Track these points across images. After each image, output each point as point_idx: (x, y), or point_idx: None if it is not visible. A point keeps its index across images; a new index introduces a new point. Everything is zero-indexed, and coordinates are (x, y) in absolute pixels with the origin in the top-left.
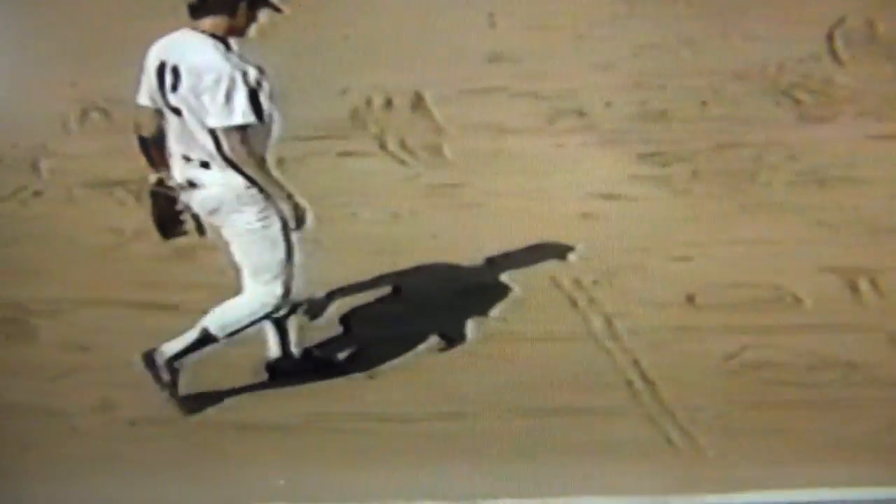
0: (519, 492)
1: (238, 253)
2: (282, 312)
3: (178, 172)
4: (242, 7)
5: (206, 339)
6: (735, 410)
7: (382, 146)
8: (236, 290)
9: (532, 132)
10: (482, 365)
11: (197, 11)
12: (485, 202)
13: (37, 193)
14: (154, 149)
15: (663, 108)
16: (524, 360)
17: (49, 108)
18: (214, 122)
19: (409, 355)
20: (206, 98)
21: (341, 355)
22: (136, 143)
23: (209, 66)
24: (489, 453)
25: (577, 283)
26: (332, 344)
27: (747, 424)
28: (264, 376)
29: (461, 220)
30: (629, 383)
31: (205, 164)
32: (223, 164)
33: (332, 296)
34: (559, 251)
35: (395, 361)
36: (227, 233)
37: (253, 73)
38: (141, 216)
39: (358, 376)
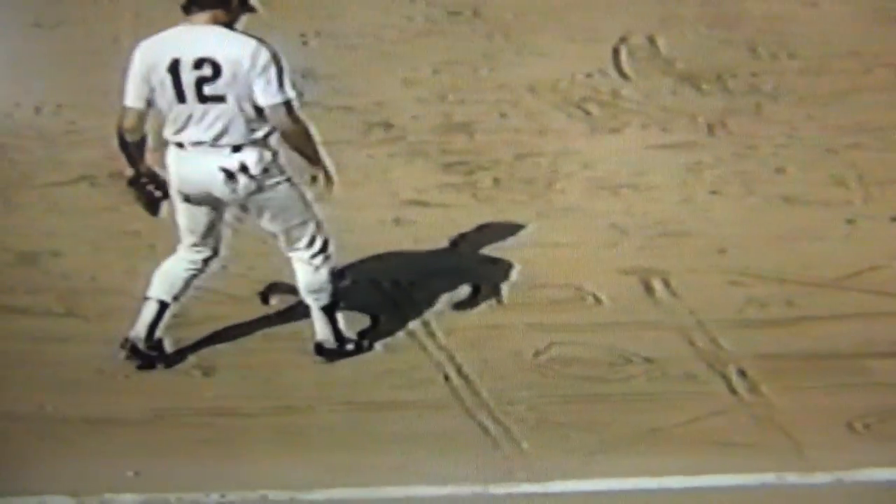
0: (348, 482)
1: (276, 223)
2: (330, 299)
3: (207, 162)
4: (235, 0)
5: (162, 307)
6: (546, 404)
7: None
8: (79, 294)
9: (345, 144)
10: (311, 361)
11: (191, 7)
12: None
13: None
14: (135, 149)
15: (465, 120)
16: (350, 357)
17: None
18: (268, 100)
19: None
20: (259, 80)
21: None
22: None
23: (249, 52)
24: (320, 445)
25: (396, 284)
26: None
27: (558, 417)
28: None
29: None
30: (446, 378)
31: (237, 148)
32: (259, 142)
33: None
34: (512, 229)
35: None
36: (265, 207)
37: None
38: None
39: (196, 373)
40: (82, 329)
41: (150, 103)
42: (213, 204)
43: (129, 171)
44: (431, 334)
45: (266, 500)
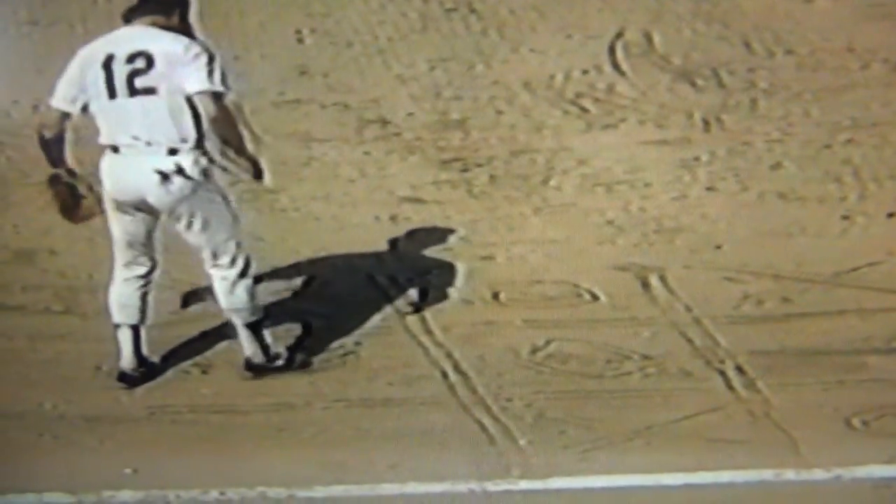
0: (345, 479)
1: (203, 234)
2: (252, 316)
3: (141, 164)
4: (176, 10)
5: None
6: (543, 400)
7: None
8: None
9: (340, 141)
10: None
11: (133, 13)
12: (300, 207)
13: None
14: (55, 148)
15: (461, 117)
16: (344, 354)
17: None
18: (197, 87)
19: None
20: (189, 68)
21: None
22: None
23: (183, 44)
24: (316, 442)
25: (392, 280)
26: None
27: (555, 414)
28: None
29: (279, 224)
30: (444, 375)
31: (173, 151)
32: (194, 142)
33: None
34: (443, 233)
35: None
36: (195, 216)
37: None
38: None
39: (194, 371)
40: (80, 327)
41: (84, 107)
42: (148, 211)
43: (52, 171)
44: (428, 331)
45: (264, 497)
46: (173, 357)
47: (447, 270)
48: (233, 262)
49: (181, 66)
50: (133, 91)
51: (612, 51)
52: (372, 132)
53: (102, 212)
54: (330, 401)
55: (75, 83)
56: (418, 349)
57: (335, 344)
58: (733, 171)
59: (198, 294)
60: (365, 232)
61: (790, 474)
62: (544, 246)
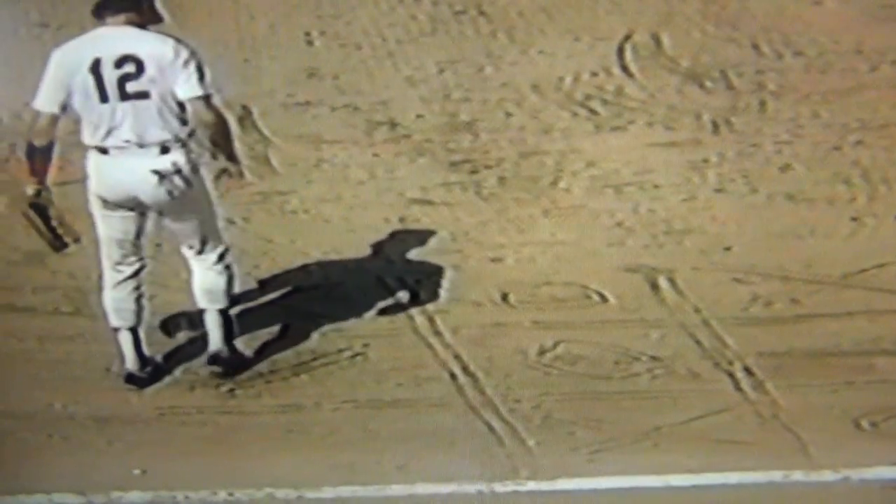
0: (353, 480)
1: (191, 225)
2: (226, 303)
3: (134, 165)
4: (147, 4)
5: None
6: (551, 402)
7: (214, 157)
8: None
9: (350, 143)
10: (317, 360)
11: (104, 11)
12: (309, 209)
13: None
14: (39, 158)
15: (470, 119)
16: (353, 356)
17: None
18: (189, 93)
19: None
20: (180, 74)
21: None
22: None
23: (171, 47)
24: (324, 443)
25: (402, 282)
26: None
27: (563, 415)
28: None
29: (289, 226)
30: (452, 376)
31: (165, 150)
32: (183, 140)
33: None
34: (424, 236)
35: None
36: (186, 210)
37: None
38: None
39: (203, 372)
40: (89, 328)
41: (64, 108)
42: (138, 208)
43: (32, 187)
44: (437, 332)
45: (273, 497)
46: (177, 355)
47: (435, 272)
48: (214, 247)
49: (171, 70)
50: (125, 96)
51: (620, 53)
52: (381, 134)
53: (77, 239)
54: (339, 402)
55: (61, 86)
56: (427, 350)
57: (343, 345)
58: (742, 172)
59: (179, 324)
60: (374, 234)
61: (799, 475)
62: (553, 248)
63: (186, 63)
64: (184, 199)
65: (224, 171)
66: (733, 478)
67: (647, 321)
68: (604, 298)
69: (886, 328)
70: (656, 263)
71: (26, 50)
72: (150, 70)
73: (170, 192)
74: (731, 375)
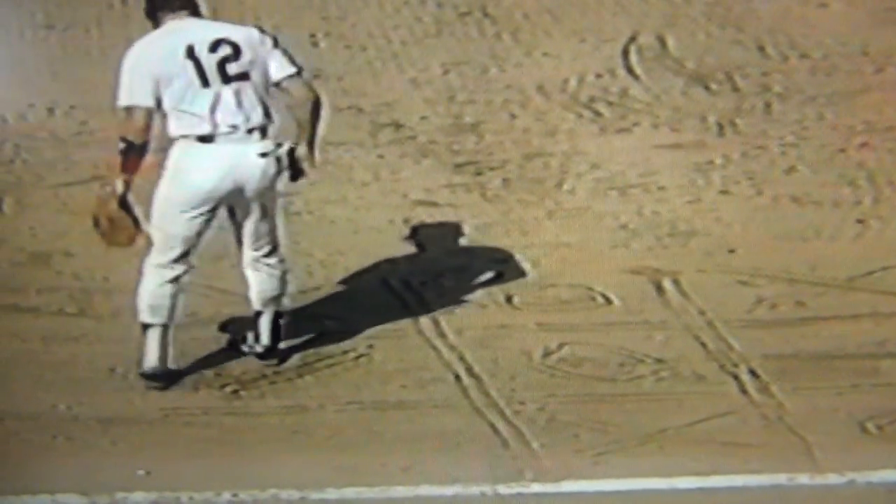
0: (357, 481)
1: (263, 221)
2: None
3: (240, 151)
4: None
5: (164, 329)
6: (556, 404)
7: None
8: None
9: (355, 144)
10: (321, 362)
11: (163, 9)
12: (314, 210)
13: None
14: (135, 156)
15: (475, 120)
16: (357, 357)
17: None
18: (285, 72)
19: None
20: (272, 56)
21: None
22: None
23: (255, 31)
24: (329, 445)
25: (406, 284)
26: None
27: (568, 417)
28: None
29: (294, 227)
30: (457, 378)
31: (264, 132)
32: (275, 123)
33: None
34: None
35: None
36: (269, 201)
37: None
38: None
39: (207, 373)
40: (94, 329)
41: (158, 102)
42: (218, 207)
43: (120, 184)
44: (441, 334)
45: (277, 499)
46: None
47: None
48: (276, 248)
49: (262, 52)
50: (227, 78)
51: (625, 54)
52: (386, 136)
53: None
54: (343, 403)
55: (150, 78)
56: (431, 352)
57: (347, 345)
58: (747, 174)
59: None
60: (379, 235)
61: (804, 479)
62: (558, 249)
63: (275, 45)
64: (272, 188)
65: (296, 157)
66: (738, 480)
67: (651, 323)
68: (608, 300)
69: (892, 331)
70: (661, 265)
71: (32, 52)
72: (245, 52)
73: (268, 177)
74: (736, 378)
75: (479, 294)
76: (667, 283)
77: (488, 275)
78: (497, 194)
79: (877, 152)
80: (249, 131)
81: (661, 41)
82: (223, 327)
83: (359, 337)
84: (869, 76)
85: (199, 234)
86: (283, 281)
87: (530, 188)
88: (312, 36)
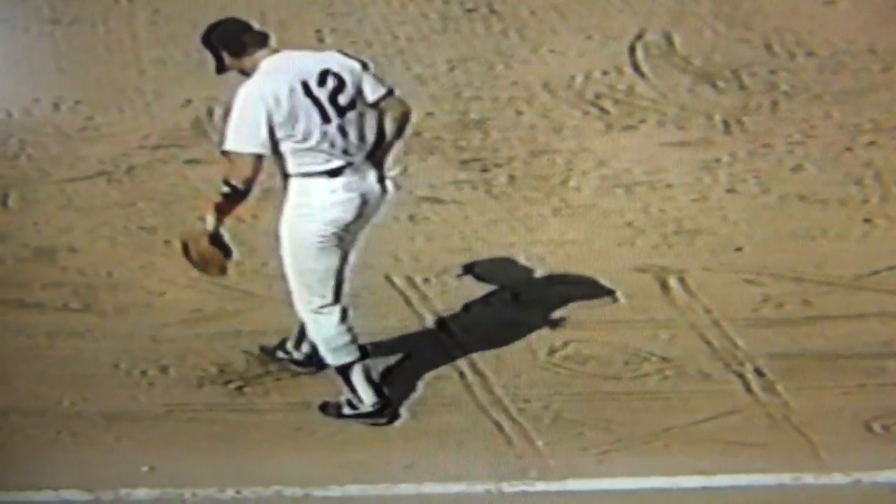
0: (361, 478)
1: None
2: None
3: (361, 180)
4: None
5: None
6: (561, 402)
7: (224, 153)
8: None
9: None
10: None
11: (248, 47)
12: None
13: None
14: (235, 200)
15: (481, 117)
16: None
17: None
18: (379, 93)
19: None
20: (364, 81)
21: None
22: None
23: (347, 58)
24: (333, 442)
25: (410, 281)
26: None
27: (572, 415)
28: None
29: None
30: (462, 375)
31: (372, 157)
32: (369, 151)
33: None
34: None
35: None
36: (354, 232)
37: None
38: (4, 220)
39: (212, 370)
40: (98, 325)
41: (275, 146)
42: (348, 231)
43: (212, 224)
44: (448, 332)
45: (280, 495)
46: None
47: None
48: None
49: (357, 77)
50: (340, 110)
51: (632, 52)
52: None
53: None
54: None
55: (264, 123)
56: (437, 349)
57: None
58: (754, 172)
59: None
60: (384, 231)
61: (809, 478)
62: (563, 247)
63: (365, 69)
64: (358, 221)
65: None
66: (743, 480)
67: (656, 321)
68: (614, 298)
69: None
70: (666, 263)
71: (37, 47)
72: (348, 80)
73: (382, 202)
74: (742, 377)
75: (484, 291)
76: (672, 282)
77: (558, 312)
78: (503, 191)
79: (884, 151)
80: (365, 159)
81: (668, 39)
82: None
83: (362, 333)
84: (876, 74)
85: (340, 264)
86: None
87: (536, 185)
88: (318, 32)
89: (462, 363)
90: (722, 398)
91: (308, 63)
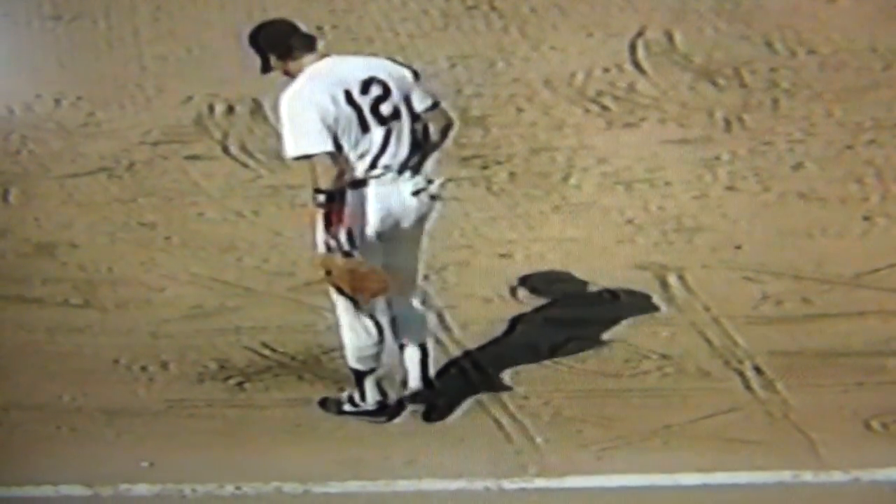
0: (361, 474)
1: (412, 255)
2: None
3: (399, 190)
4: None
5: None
6: (560, 399)
7: (225, 150)
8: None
9: None
10: (325, 355)
11: (294, 51)
12: None
13: None
14: (336, 204)
15: (481, 114)
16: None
17: None
18: (427, 103)
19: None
20: (413, 90)
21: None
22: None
23: (397, 66)
24: (332, 438)
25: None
26: None
27: (572, 412)
28: None
29: (300, 220)
30: (463, 372)
31: (416, 170)
32: (421, 157)
33: None
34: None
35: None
36: (417, 235)
37: None
38: (5, 216)
39: (212, 365)
40: (99, 320)
41: (338, 146)
42: (384, 240)
43: (333, 242)
44: (446, 328)
45: (280, 492)
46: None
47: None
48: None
49: (406, 86)
50: (381, 119)
51: (633, 49)
52: None
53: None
54: None
55: (322, 123)
56: (436, 346)
57: None
58: (754, 170)
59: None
60: None
61: (808, 476)
62: (563, 244)
63: (416, 78)
64: (422, 221)
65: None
66: (742, 477)
67: (656, 319)
68: (613, 295)
69: None
70: (666, 261)
71: (39, 42)
72: (394, 89)
73: (421, 213)
74: (742, 374)
75: (483, 288)
76: (672, 279)
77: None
78: (503, 188)
79: (885, 149)
80: (401, 171)
81: (669, 36)
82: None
83: None
84: (877, 73)
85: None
86: (424, 312)
87: (536, 182)
88: (319, 28)
89: (462, 360)
90: (721, 396)
91: (353, 70)
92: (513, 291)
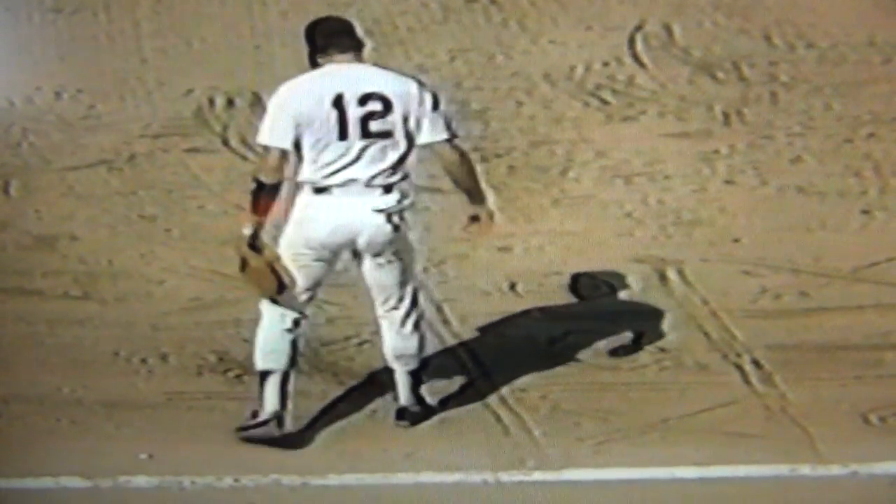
0: (359, 467)
1: (387, 279)
2: (418, 364)
3: (357, 204)
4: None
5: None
6: (559, 392)
7: (225, 143)
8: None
9: None
10: (324, 348)
11: (329, 49)
12: None
13: None
14: (265, 197)
15: (481, 107)
16: (359, 343)
17: None
18: (436, 136)
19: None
20: (425, 118)
21: None
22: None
23: (415, 88)
24: (330, 431)
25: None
26: None
27: (570, 405)
28: None
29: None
30: (462, 365)
31: (387, 189)
32: (403, 183)
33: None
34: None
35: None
36: (395, 255)
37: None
38: (5, 208)
39: (211, 358)
40: (98, 312)
41: (297, 145)
42: (337, 256)
43: (249, 226)
44: (445, 321)
45: (278, 484)
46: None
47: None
48: (407, 301)
49: (416, 112)
50: (366, 134)
51: (632, 43)
52: None
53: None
54: (345, 389)
55: (291, 120)
56: (435, 339)
57: (351, 332)
58: (753, 164)
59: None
60: None
61: (806, 470)
62: (562, 237)
63: (434, 107)
64: (397, 242)
65: (475, 217)
66: (740, 471)
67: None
68: (612, 289)
69: None
70: (665, 254)
71: (39, 35)
72: (396, 109)
73: (387, 233)
74: (740, 368)
75: (483, 282)
76: (671, 273)
77: (628, 335)
78: (502, 182)
79: (883, 143)
80: (369, 185)
81: (668, 30)
82: None
83: (362, 323)
84: (876, 66)
85: (318, 282)
86: (411, 339)
87: (536, 176)
88: None
89: (461, 353)
90: (719, 389)
91: (358, 80)
92: (512, 285)
